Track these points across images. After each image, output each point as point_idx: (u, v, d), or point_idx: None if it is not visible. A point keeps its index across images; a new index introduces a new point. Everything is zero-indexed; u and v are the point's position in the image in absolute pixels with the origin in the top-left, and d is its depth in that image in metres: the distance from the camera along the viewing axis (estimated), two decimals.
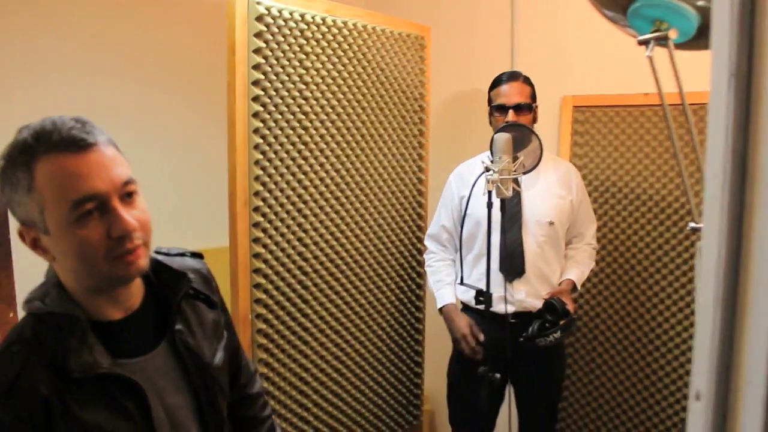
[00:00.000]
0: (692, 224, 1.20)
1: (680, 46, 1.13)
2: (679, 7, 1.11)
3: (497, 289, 2.23)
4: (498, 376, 2.01)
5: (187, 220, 2.86)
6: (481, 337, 2.29)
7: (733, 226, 0.85)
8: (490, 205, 1.99)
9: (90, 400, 1.01)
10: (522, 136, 2.12)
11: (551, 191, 2.37)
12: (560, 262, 2.40)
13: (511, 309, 2.27)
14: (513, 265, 2.29)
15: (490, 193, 1.99)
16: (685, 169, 1.37)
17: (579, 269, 2.40)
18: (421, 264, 2.76)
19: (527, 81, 2.40)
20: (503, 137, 1.99)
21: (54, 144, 0.98)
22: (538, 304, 2.28)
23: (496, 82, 2.43)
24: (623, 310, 2.71)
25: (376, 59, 2.46)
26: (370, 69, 2.44)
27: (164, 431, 1.10)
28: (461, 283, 2.23)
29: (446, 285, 2.45)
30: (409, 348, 2.78)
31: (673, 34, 1.12)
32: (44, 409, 0.98)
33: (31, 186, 0.99)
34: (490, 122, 2.44)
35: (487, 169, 2.06)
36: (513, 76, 2.40)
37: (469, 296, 2.33)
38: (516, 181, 2.20)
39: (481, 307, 2.12)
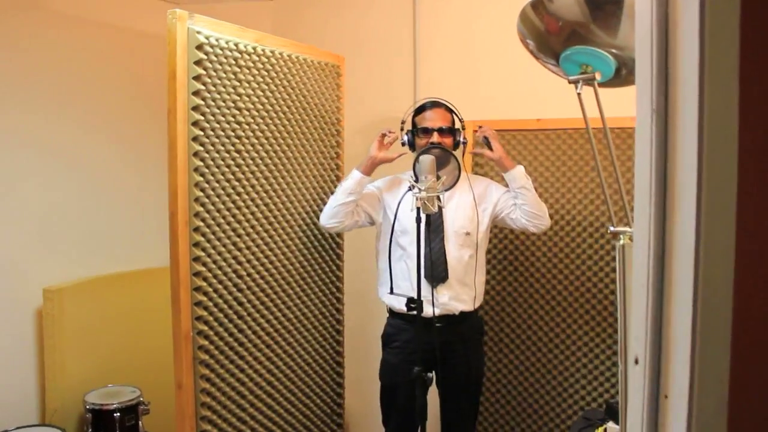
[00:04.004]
0: (612, 228, 1.47)
1: (601, 84, 1.40)
2: (602, 54, 1.38)
3: (424, 295, 2.43)
4: (431, 375, 2.22)
5: (126, 241, 2.86)
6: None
7: (658, 226, 1.10)
8: (419, 220, 2.21)
9: None
10: (442, 156, 2.36)
11: (468, 204, 2.62)
12: (478, 268, 2.64)
13: (437, 311, 2.49)
14: (437, 272, 2.51)
15: (418, 209, 2.20)
16: (605, 182, 1.64)
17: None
18: (340, 279, 2.93)
19: (448, 109, 2.66)
20: (428, 159, 2.22)
21: None
22: (460, 306, 2.54)
23: (421, 109, 2.67)
24: (535, 309, 3.02)
25: (299, 86, 2.62)
26: (294, 96, 2.59)
27: None
28: (391, 292, 2.42)
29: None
30: (331, 359, 2.92)
31: (598, 76, 1.39)
32: None
33: None
34: (410, 144, 2.66)
35: (411, 188, 2.28)
36: (436, 103, 2.65)
37: (399, 303, 2.52)
38: (438, 198, 2.43)
39: (424, 313, 2.33)
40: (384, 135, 2.66)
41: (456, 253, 2.56)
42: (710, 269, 0.95)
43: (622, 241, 1.45)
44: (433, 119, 2.62)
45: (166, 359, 2.26)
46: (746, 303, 0.95)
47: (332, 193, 2.85)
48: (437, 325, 2.44)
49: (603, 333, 2.86)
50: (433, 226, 2.53)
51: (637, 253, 1.15)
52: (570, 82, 1.44)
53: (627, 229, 1.46)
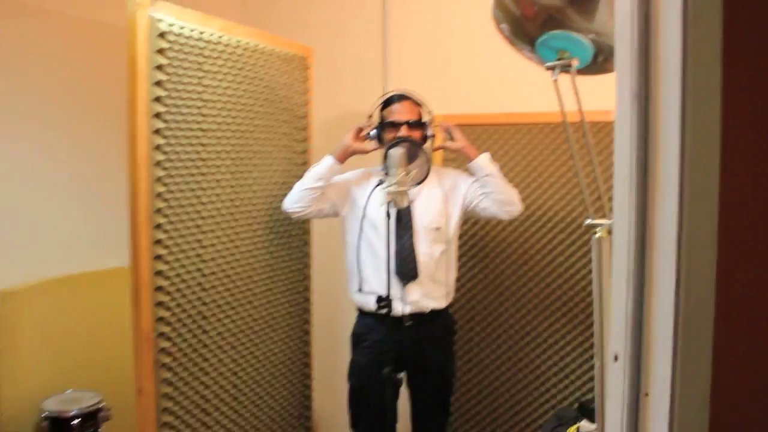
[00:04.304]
0: (589, 220, 1.43)
1: (578, 72, 1.36)
2: (579, 39, 1.34)
3: (394, 293, 2.38)
4: (402, 376, 2.17)
5: (86, 241, 2.75)
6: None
7: (639, 218, 1.06)
8: (389, 215, 2.15)
9: None
10: (412, 150, 2.30)
11: (437, 199, 2.57)
12: (449, 264, 2.60)
13: (408, 310, 2.43)
14: (407, 269, 2.45)
15: (388, 204, 2.14)
16: (581, 172, 1.60)
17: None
18: (308, 277, 2.86)
19: (416, 102, 2.60)
20: (398, 152, 2.17)
21: None
22: (431, 304, 2.49)
23: (389, 102, 2.61)
24: (506, 304, 2.99)
25: (266, 78, 2.54)
26: (261, 88, 2.51)
27: None
28: (360, 290, 2.36)
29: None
30: (299, 360, 2.85)
31: (575, 62, 1.35)
32: None
33: None
34: (379, 138, 2.60)
35: (381, 182, 2.23)
36: (403, 96, 2.59)
37: (367, 302, 2.46)
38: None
39: (383, 311, 2.26)
40: (361, 129, 2.59)
41: (426, 249, 2.51)
42: (693, 261, 0.91)
43: (598, 234, 1.42)
44: (400, 112, 2.56)
45: (128, 363, 2.17)
46: (729, 296, 0.91)
47: None
48: (407, 324, 2.38)
49: (575, 330, 2.84)
50: (402, 221, 2.48)
51: (617, 245, 1.11)
52: (546, 69, 1.40)
53: (603, 221, 1.42)
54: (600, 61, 1.42)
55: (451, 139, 2.60)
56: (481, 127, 2.99)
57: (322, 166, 2.53)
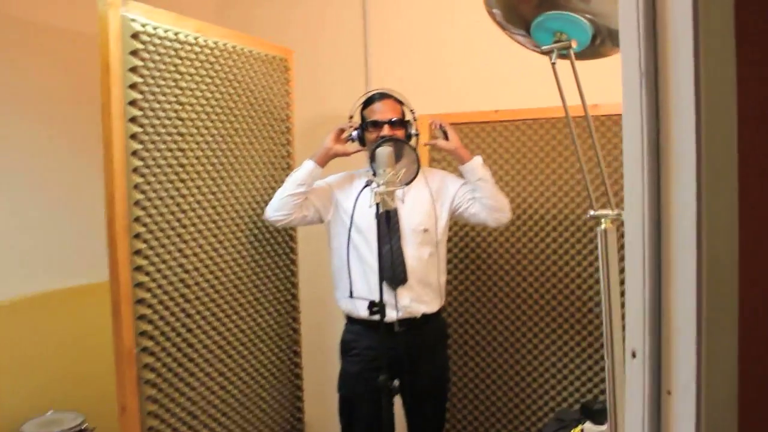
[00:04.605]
0: (591, 212, 1.37)
1: (576, 55, 1.30)
2: (578, 19, 1.27)
3: (385, 298, 2.29)
4: (397, 383, 2.08)
5: (64, 255, 2.64)
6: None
7: (653, 203, 0.99)
8: (379, 216, 2.07)
9: None
10: (399, 149, 2.23)
11: (424, 200, 2.49)
12: (439, 267, 2.52)
13: (398, 315, 2.34)
14: (396, 273, 2.37)
15: (378, 205, 2.06)
16: (585, 166, 1.54)
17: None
18: (295, 285, 2.77)
19: (398, 100, 2.53)
20: (386, 151, 2.08)
21: None
22: (423, 308, 2.41)
23: (369, 101, 2.53)
24: (496, 311, 2.91)
25: (245, 81, 2.45)
26: (240, 90, 2.43)
27: None
28: (350, 296, 2.26)
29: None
30: (289, 371, 2.75)
31: (574, 44, 1.28)
32: None
33: None
34: (360, 139, 2.53)
35: (369, 183, 2.14)
36: (384, 94, 2.51)
37: (357, 308, 2.37)
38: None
39: (376, 317, 2.17)
40: (342, 130, 2.51)
41: (414, 252, 2.43)
42: (714, 248, 0.84)
43: (603, 225, 1.35)
44: (382, 111, 2.48)
45: (111, 380, 2.06)
46: (756, 283, 0.85)
47: None
48: (398, 329, 2.29)
49: (571, 330, 2.77)
50: (389, 224, 2.39)
51: (630, 233, 1.03)
52: (543, 53, 1.33)
53: (608, 212, 1.35)
54: (598, 44, 1.36)
55: (445, 137, 2.53)
56: (467, 126, 2.92)
57: (302, 171, 2.44)
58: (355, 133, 2.53)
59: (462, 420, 2.99)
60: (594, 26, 1.29)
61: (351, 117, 2.57)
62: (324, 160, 2.46)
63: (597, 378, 2.73)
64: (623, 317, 1.45)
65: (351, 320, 2.50)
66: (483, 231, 2.88)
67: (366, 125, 2.50)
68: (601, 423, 2.23)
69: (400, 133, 2.45)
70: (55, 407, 2.72)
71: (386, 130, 2.42)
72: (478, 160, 2.48)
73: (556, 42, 1.30)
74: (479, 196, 2.46)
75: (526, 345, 2.86)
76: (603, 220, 1.34)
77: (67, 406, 2.72)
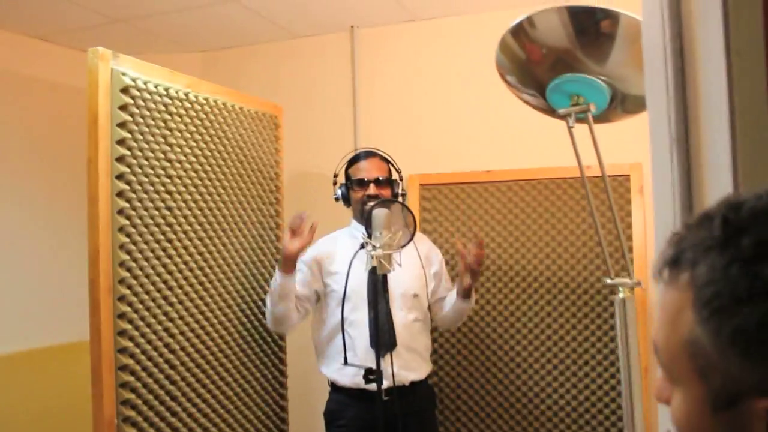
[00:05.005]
0: (609, 280, 1.31)
1: (579, 120, 1.27)
2: (596, 82, 1.24)
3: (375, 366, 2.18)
4: None
5: (40, 312, 2.51)
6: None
7: None
8: (375, 281, 1.99)
9: None
10: (395, 211, 2.16)
11: (414, 264, 2.42)
12: (426, 334, 2.45)
13: (387, 383, 2.22)
14: (384, 339, 2.27)
15: (374, 269, 1.98)
16: (601, 230, 1.49)
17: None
18: (283, 349, 2.65)
19: (384, 159, 2.49)
20: (382, 212, 2.02)
21: None
22: (411, 376, 2.31)
23: (355, 159, 2.48)
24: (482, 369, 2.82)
25: (235, 137, 2.40)
26: (230, 148, 2.37)
27: None
28: (345, 363, 2.14)
29: None
30: None
31: (593, 108, 1.25)
32: None
33: None
34: (344, 198, 2.47)
35: (363, 246, 2.07)
36: (370, 153, 2.48)
37: (343, 377, 2.29)
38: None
39: (366, 386, 2.07)
40: (293, 230, 2.30)
41: (403, 317, 2.34)
42: None
43: (621, 295, 1.29)
44: (368, 170, 2.43)
45: None
46: None
47: (273, 256, 2.61)
48: (386, 398, 2.17)
49: (567, 395, 2.68)
50: (374, 288, 2.32)
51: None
52: (560, 117, 1.30)
53: (626, 280, 1.30)
54: (614, 107, 1.33)
55: (475, 271, 2.37)
56: (458, 186, 2.89)
57: (274, 287, 2.34)
58: (340, 192, 2.48)
59: None
60: (611, 89, 1.27)
61: (336, 175, 2.52)
62: (290, 267, 2.31)
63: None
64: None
65: (336, 389, 2.39)
66: (476, 293, 2.81)
67: (351, 184, 2.45)
68: None
69: (386, 193, 2.41)
70: None
71: (372, 189, 2.38)
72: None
73: (573, 105, 1.27)
74: (453, 312, 2.49)
75: (520, 410, 2.75)
76: (621, 288, 1.29)
77: None
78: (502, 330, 2.78)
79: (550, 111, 1.33)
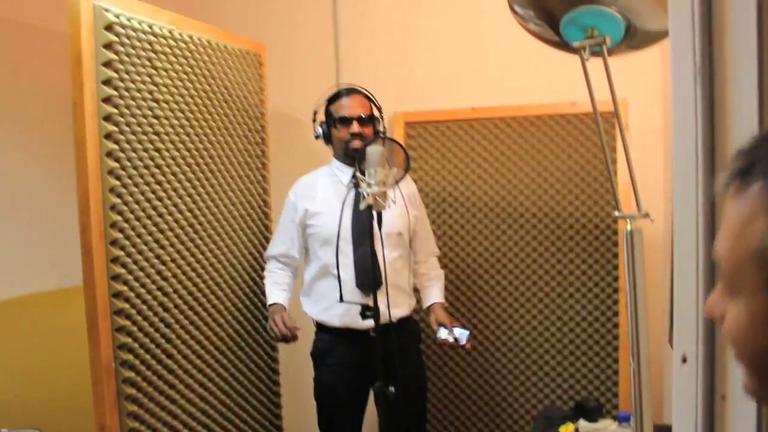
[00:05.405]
0: (617, 213, 1.33)
1: (609, 51, 1.25)
2: (611, 14, 1.23)
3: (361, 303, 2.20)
4: (392, 389, 2.00)
5: (34, 256, 2.46)
6: (297, 326, 2.33)
7: (708, 206, 0.96)
8: (372, 218, 1.99)
9: None
10: (389, 148, 2.15)
11: (399, 203, 2.41)
12: (409, 270, 2.47)
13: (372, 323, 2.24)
14: (368, 277, 2.27)
15: (370, 206, 1.98)
16: (611, 163, 1.50)
17: (438, 285, 2.55)
18: None
19: (366, 96, 2.45)
20: (377, 150, 2.00)
21: None
22: (398, 312, 2.32)
23: (336, 96, 2.43)
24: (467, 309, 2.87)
25: (220, 76, 2.33)
26: (216, 87, 2.31)
27: None
28: (341, 300, 2.16)
29: (280, 289, 2.43)
30: (267, 378, 2.64)
31: (608, 40, 1.24)
32: None
33: None
34: (325, 136, 2.44)
35: (357, 184, 2.06)
36: (352, 90, 2.43)
37: (331, 317, 2.34)
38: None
39: (359, 324, 2.11)
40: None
41: (388, 255, 2.34)
42: None
43: (629, 227, 1.31)
44: (351, 107, 2.39)
45: (83, 395, 1.92)
46: None
47: (260, 197, 2.58)
48: (373, 335, 2.20)
49: (552, 327, 2.75)
50: (361, 226, 2.31)
51: (681, 236, 1.00)
52: (575, 50, 1.28)
53: (634, 213, 1.32)
54: (628, 39, 1.32)
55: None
56: (443, 123, 2.86)
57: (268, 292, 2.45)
58: (320, 130, 2.44)
59: (443, 420, 2.95)
60: (626, 22, 1.25)
61: (315, 113, 2.48)
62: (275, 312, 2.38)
63: (585, 379, 2.72)
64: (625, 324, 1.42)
65: (322, 328, 2.41)
66: (461, 230, 2.84)
67: (333, 121, 2.41)
68: (596, 420, 2.23)
69: (368, 130, 2.38)
70: (12, 425, 2.53)
71: (355, 127, 2.35)
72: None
73: (588, 38, 1.25)
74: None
75: (506, 343, 2.82)
76: (628, 220, 1.31)
77: (28, 423, 2.53)
78: (488, 266, 2.82)
79: (558, 43, 1.32)
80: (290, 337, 2.30)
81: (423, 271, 2.56)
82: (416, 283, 2.57)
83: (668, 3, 0.96)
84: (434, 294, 2.53)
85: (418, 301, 2.60)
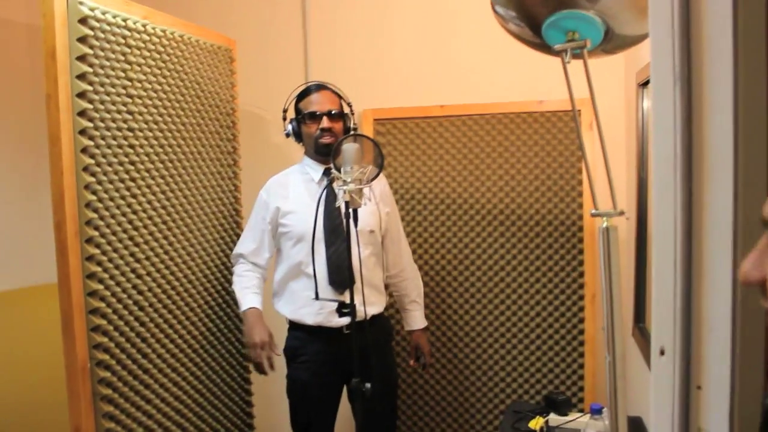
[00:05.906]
0: (593, 211, 1.38)
1: (575, 57, 1.30)
2: (591, 18, 1.27)
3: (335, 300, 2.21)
4: (369, 386, 2.02)
5: (6, 253, 2.40)
6: (278, 353, 2.33)
7: (685, 204, 1.00)
8: (348, 216, 2.00)
9: None
10: (362, 145, 2.16)
11: (371, 201, 2.43)
12: (381, 267, 2.50)
13: (347, 320, 2.26)
14: (343, 275, 2.29)
15: (347, 203, 1.99)
16: (587, 162, 1.54)
17: (419, 303, 2.62)
18: None
19: (335, 92, 2.46)
20: (353, 147, 2.02)
21: None
22: (371, 310, 2.34)
23: (305, 93, 2.44)
24: (442, 308, 2.91)
25: (192, 72, 2.31)
26: (188, 82, 2.28)
27: None
28: (317, 298, 2.17)
29: (252, 292, 2.40)
30: (239, 377, 2.63)
31: (588, 43, 1.28)
32: None
33: None
34: (296, 133, 2.44)
35: (331, 181, 2.08)
36: (321, 86, 2.43)
37: (303, 315, 2.34)
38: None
39: (333, 322, 2.14)
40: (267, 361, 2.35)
41: (361, 253, 2.37)
42: (752, 244, 0.86)
43: (605, 224, 1.37)
44: (320, 102, 2.39)
45: (57, 396, 1.89)
46: None
47: (231, 194, 2.57)
48: (346, 332, 2.22)
49: (520, 322, 2.81)
50: (333, 224, 2.33)
51: (660, 231, 1.04)
52: (556, 52, 1.32)
53: (609, 211, 1.37)
54: (603, 44, 1.36)
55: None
56: (412, 121, 2.90)
57: (239, 297, 2.41)
58: (290, 128, 2.44)
59: (413, 416, 2.98)
60: (606, 27, 1.30)
61: (285, 110, 2.48)
62: (252, 320, 2.36)
63: (551, 374, 2.79)
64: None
65: (295, 326, 2.42)
66: (430, 227, 2.87)
67: (303, 118, 2.41)
68: (565, 414, 2.29)
69: (338, 126, 2.39)
70: None
71: (325, 122, 2.36)
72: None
73: (569, 41, 1.29)
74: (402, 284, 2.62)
75: (475, 338, 2.87)
76: (605, 219, 1.36)
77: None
78: (457, 262, 2.86)
79: (537, 45, 1.36)
80: (265, 371, 2.31)
81: (402, 283, 2.61)
82: (396, 299, 2.64)
83: (649, 13, 1.00)
84: (418, 319, 2.62)
85: (391, 295, 2.64)
